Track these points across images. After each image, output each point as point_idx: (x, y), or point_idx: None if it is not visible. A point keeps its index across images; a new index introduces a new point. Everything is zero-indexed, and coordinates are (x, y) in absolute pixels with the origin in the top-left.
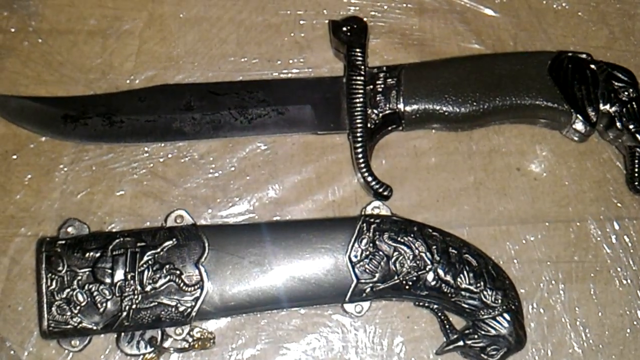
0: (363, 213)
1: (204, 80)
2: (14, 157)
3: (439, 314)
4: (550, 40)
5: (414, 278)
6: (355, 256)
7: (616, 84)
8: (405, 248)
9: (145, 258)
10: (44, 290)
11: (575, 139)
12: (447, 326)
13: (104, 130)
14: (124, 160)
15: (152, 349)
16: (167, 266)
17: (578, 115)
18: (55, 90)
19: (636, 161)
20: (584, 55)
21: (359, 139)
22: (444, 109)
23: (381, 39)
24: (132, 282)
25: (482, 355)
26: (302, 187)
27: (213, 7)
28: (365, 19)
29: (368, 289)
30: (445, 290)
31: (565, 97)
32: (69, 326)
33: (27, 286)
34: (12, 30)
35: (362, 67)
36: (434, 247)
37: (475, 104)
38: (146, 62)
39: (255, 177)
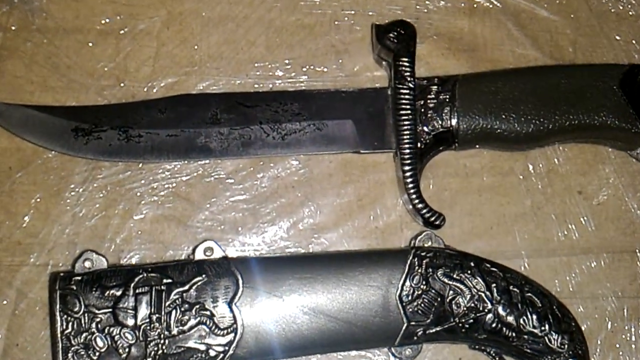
0: (413, 245)
1: (229, 88)
2: (19, 174)
3: (497, 359)
4: (613, 47)
5: (472, 320)
6: (407, 295)
7: None
8: (461, 286)
9: (172, 297)
10: (58, 334)
11: None
12: None
13: (119, 145)
14: (142, 179)
15: None
16: (197, 306)
17: None
18: (63, 98)
19: None
20: None
21: (409, 161)
22: (504, 127)
23: (427, 43)
24: (157, 324)
25: None
26: (341, 210)
27: (239, 5)
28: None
29: (420, 332)
30: (507, 333)
31: (639, 117)
32: None
33: (36, 322)
34: (13, 28)
35: (411, 78)
36: (494, 285)
37: (538, 122)
38: (165, 67)
39: (289, 199)
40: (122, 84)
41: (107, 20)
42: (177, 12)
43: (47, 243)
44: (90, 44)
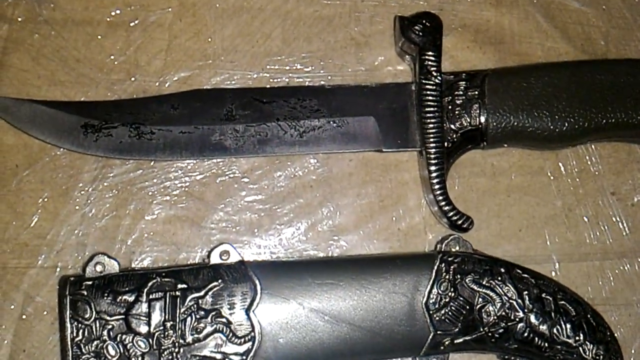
0: (440, 249)
1: (245, 83)
2: (26, 173)
3: None
4: None
5: (502, 329)
6: (433, 303)
7: None
8: (491, 294)
9: (187, 303)
10: (68, 342)
11: None
12: None
13: (131, 142)
14: (154, 178)
15: None
16: (213, 313)
17: None
18: (72, 92)
19: None
20: None
21: (435, 161)
22: (536, 125)
23: (452, 35)
24: (171, 332)
25: None
26: (362, 211)
27: None
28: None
29: (447, 342)
30: (539, 343)
31: None
32: None
33: (44, 327)
34: (20, 19)
35: (438, 74)
36: (526, 292)
37: (572, 120)
38: (178, 60)
39: (307, 199)
40: (132, 78)
41: (118, 12)
42: (189, 3)
43: (55, 244)
44: (100, 37)
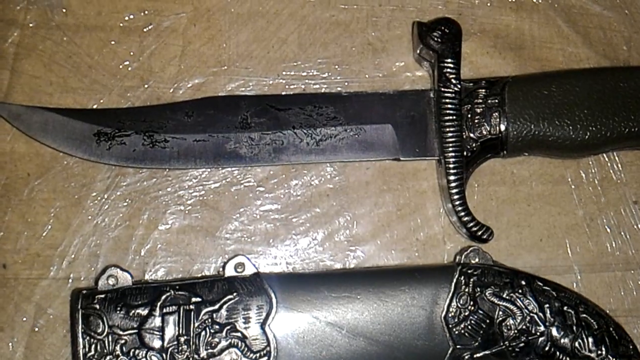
0: (459, 261)
1: (260, 89)
2: (38, 182)
3: None
4: None
5: (523, 343)
6: (453, 316)
7: None
8: (512, 307)
9: (202, 317)
10: (80, 357)
11: None
12: None
13: (144, 151)
14: (168, 187)
15: None
16: (228, 327)
17: None
18: (84, 100)
19: None
20: None
21: (454, 170)
22: (557, 134)
23: (471, 40)
24: (185, 346)
25: None
26: (379, 221)
27: (270, 0)
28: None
29: (467, 356)
30: (560, 357)
31: None
32: None
33: (56, 339)
34: (31, 25)
35: (457, 81)
36: (547, 305)
37: (594, 129)
38: (192, 66)
39: (324, 209)
40: (146, 85)
41: (131, 17)
42: (204, 8)
43: (67, 255)
44: (113, 42)
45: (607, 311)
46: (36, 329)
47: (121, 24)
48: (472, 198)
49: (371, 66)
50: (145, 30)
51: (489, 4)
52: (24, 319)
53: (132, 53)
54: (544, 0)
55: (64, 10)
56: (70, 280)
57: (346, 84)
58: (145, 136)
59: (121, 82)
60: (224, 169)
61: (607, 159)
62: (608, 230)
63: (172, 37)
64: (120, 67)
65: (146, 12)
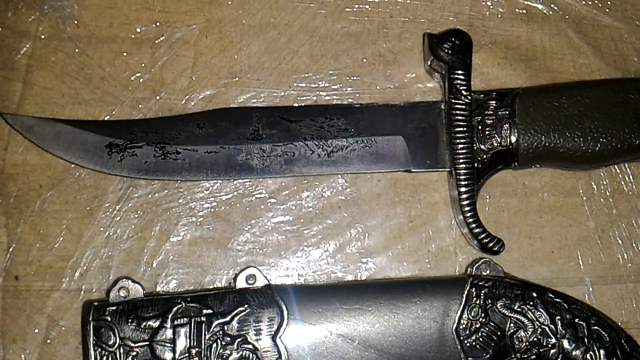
0: (470, 273)
1: (271, 101)
2: (49, 193)
3: None
4: None
5: (534, 356)
6: (464, 328)
7: None
8: (523, 319)
9: (213, 329)
10: None
11: None
12: None
13: (156, 162)
14: (180, 199)
15: None
16: (239, 340)
17: None
18: (96, 111)
19: None
20: None
21: (465, 182)
22: (568, 146)
23: (482, 51)
24: (196, 358)
25: None
26: (391, 233)
27: (281, 12)
28: (462, 28)
29: None
30: None
31: None
32: None
33: (68, 352)
34: (43, 36)
35: (467, 93)
36: (558, 317)
37: (605, 141)
38: (203, 78)
39: (335, 220)
40: (158, 97)
41: (143, 28)
42: (215, 20)
43: (79, 267)
44: (125, 54)
45: (619, 323)
46: (48, 341)
47: (133, 36)
48: (484, 209)
49: (382, 77)
50: (157, 41)
51: (499, 16)
52: (36, 330)
53: (143, 65)
54: (555, 12)
55: (76, 22)
56: (82, 292)
57: (357, 95)
58: (157, 148)
59: (133, 93)
60: (236, 181)
61: (618, 171)
62: (620, 242)
63: (184, 48)
64: (132, 78)
65: (158, 23)
